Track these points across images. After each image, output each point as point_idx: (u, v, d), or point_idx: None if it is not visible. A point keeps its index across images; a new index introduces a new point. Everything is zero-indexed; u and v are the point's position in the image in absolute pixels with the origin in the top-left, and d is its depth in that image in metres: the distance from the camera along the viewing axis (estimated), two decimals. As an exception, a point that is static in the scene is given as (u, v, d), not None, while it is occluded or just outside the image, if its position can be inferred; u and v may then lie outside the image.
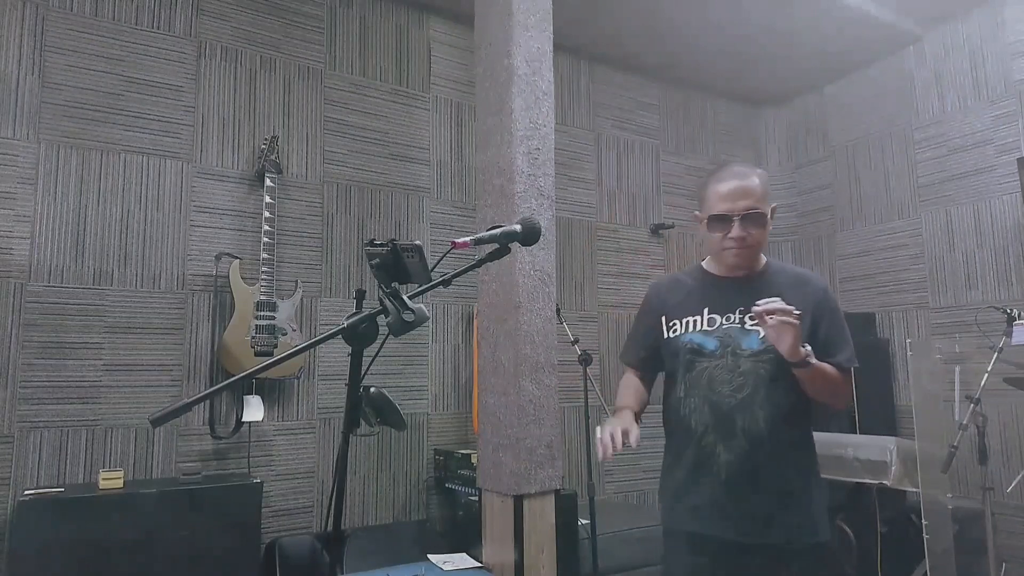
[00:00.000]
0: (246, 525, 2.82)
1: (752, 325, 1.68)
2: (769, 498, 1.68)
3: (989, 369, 3.00)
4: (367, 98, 3.76)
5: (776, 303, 1.54)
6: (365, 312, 1.28)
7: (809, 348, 1.59)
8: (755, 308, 1.56)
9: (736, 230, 1.69)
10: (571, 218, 4.34)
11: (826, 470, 3.31)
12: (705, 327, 1.76)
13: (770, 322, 1.56)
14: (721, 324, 1.75)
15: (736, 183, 1.70)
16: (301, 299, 3.35)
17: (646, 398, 1.93)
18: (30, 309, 2.87)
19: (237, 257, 3.20)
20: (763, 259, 1.81)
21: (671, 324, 1.82)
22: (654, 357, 1.89)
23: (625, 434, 1.63)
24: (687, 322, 1.79)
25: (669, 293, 1.90)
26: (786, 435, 1.70)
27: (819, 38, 4.30)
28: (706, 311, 1.77)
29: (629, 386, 1.95)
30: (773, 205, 1.75)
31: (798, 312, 1.54)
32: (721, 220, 1.71)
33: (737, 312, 1.73)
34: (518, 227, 1.53)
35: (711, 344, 1.74)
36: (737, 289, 1.76)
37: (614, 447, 1.61)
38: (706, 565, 1.74)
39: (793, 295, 1.65)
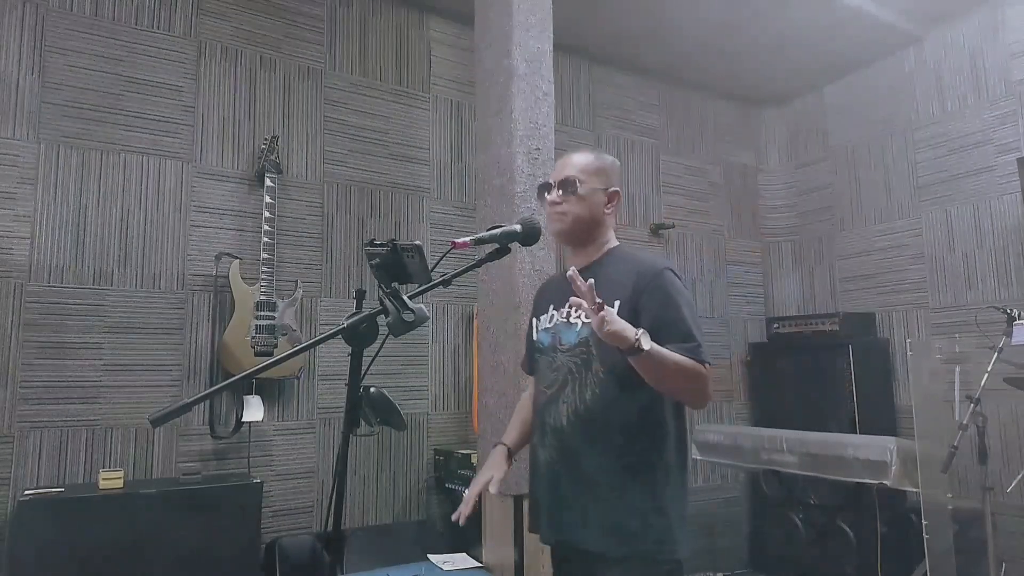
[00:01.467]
0: (246, 525, 2.82)
1: (575, 318, 1.65)
2: (579, 499, 1.59)
3: (989, 369, 3.00)
4: (367, 98, 3.76)
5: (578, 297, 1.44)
6: (365, 312, 1.28)
7: (642, 332, 1.41)
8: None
9: (551, 195, 1.72)
10: (571, 218, 4.33)
11: (826, 470, 3.34)
12: (546, 324, 1.76)
13: (581, 316, 1.56)
14: (555, 319, 1.73)
15: (567, 156, 1.77)
16: (301, 299, 3.35)
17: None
18: (30, 309, 2.87)
19: (237, 257, 3.20)
20: (606, 247, 1.75)
21: (535, 324, 1.83)
22: (533, 357, 1.86)
23: (484, 487, 1.69)
24: (540, 320, 1.80)
25: (542, 293, 1.92)
26: (598, 432, 1.58)
27: (819, 38, 4.30)
28: (551, 307, 1.76)
29: (521, 406, 1.93)
30: (611, 188, 1.73)
31: (599, 301, 1.38)
32: (544, 187, 1.76)
33: (567, 305, 1.64)
34: (518, 227, 1.54)
35: (546, 340, 1.74)
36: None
37: (469, 511, 1.68)
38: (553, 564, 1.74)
39: (620, 281, 1.62)
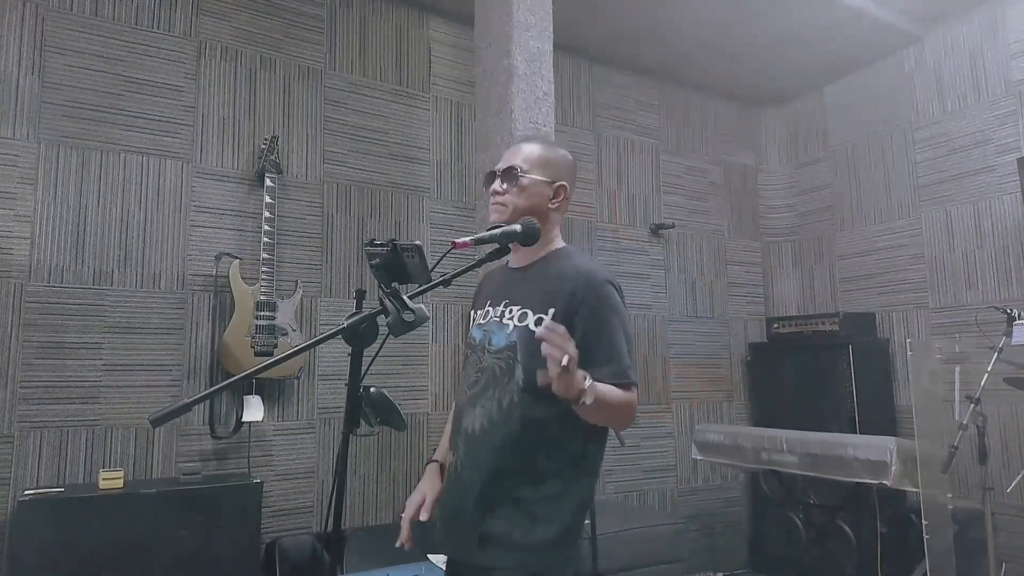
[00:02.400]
0: (246, 525, 2.82)
1: (507, 319, 1.57)
2: (479, 510, 1.51)
3: (989, 369, 3.00)
4: (367, 98, 3.76)
5: (545, 328, 1.29)
6: (365, 312, 1.28)
7: (588, 385, 1.31)
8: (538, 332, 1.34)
9: (495, 184, 1.65)
10: (571, 218, 4.33)
11: (826, 470, 3.33)
12: (480, 320, 1.68)
13: (513, 318, 1.52)
14: (490, 316, 1.64)
15: (515, 146, 1.70)
16: (301, 299, 3.35)
17: None
18: (30, 309, 2.87)
19: (237, 257, 3.20)
20: (551, 247, 1.65)
21: (472, 318, 1.75)
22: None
23: (417, 511, 1.62)
24: (475, 315, 1.72)
25: (481, 285, 1.84)
26: (509, 442, 1.49)
27: (819, 38, 4.30)
28: (488, 303, 1.68)
29: (453, 418, 1.76)
30: (558, 183, 1.65)
31: (569, 341, 1.27)
32: (489, 176, 1.69)
33: (502, 304, 1.61)
34: (518, 227, 1.53)
35: (478, 336, 1.65)
36: (512, 279, 1.67)
37: (408, 536, 1.62)
38: None
39: (559, 287, 1.53)
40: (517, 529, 1.47)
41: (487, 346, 1.60)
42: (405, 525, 1.64)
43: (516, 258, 1.68)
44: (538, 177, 1.63)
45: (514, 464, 1.50)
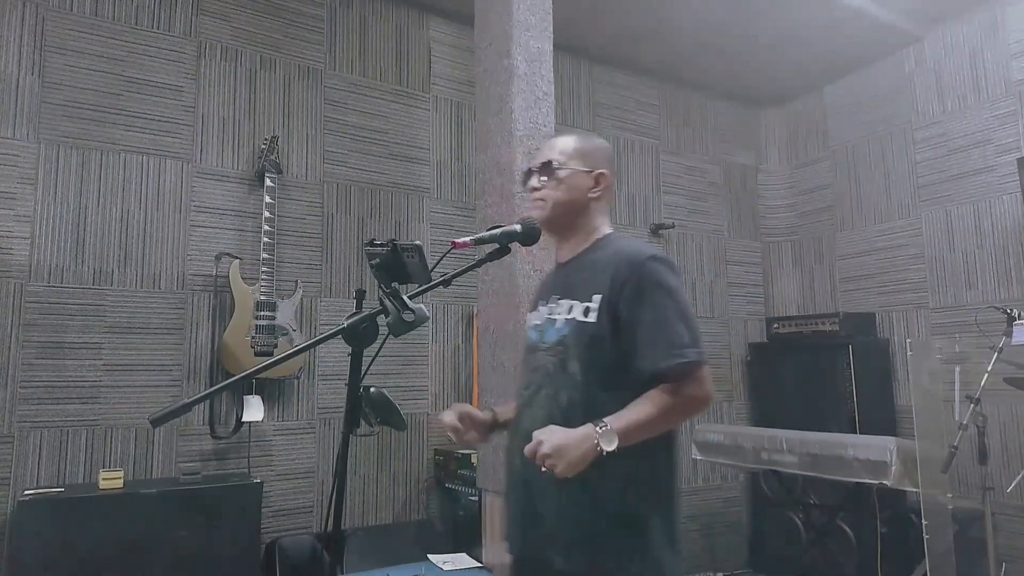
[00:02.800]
0: (246, 525, 2.83)
1: (557, 313, 1.53)
2: (549, 513, 1.43)
3: (989, 369, 3.00)
4: (367, 98, 3.76)
5: (535, 445, 1.30)
6: (365, 312, 1.28)
7: (601, 433, 1.29)
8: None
9: (532, 181, 1.62)
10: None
11: (826, 470, 3.33)
12: (535, 320, 1.64)
13: (561, 312, 1.48)
14: (542, 315, 1.60)
15: (548, 140, 1.67)
16: (301, 299, 3.35)
17: None
18: (30, 309, 2.87)
19: (237, 257, 3.20)
20: (596, 236, 1.62)
21: (528, 319, 1.72)
22: None
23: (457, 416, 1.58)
24: (531, 316, 1.69)
25: (535, 291, 1.80)
26: None
27: (819, 38, 4.30)
28: (540, 303, 1.64)
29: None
30: (597, 171, 1.60)
31: (540, 443, 1.29)
32: (527, 174, 1.65)
33: (551, 300, 1.58)
34: (518, 227, 1.53)
35: (533, 336, 1.61)
36: (560, 273, 1.64)
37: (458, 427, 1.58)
38: None
39: (601, 273, 1.48)
40: (591, 527, 1.40)
41: (540, 344, 1.56)
42: (452, 418, 1.59)
43: (562, 252, 1.65)
44: (576, 167, 1.59)
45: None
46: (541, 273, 2.89)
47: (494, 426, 1.69)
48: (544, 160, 1.61)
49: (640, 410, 1.35)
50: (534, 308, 1.68)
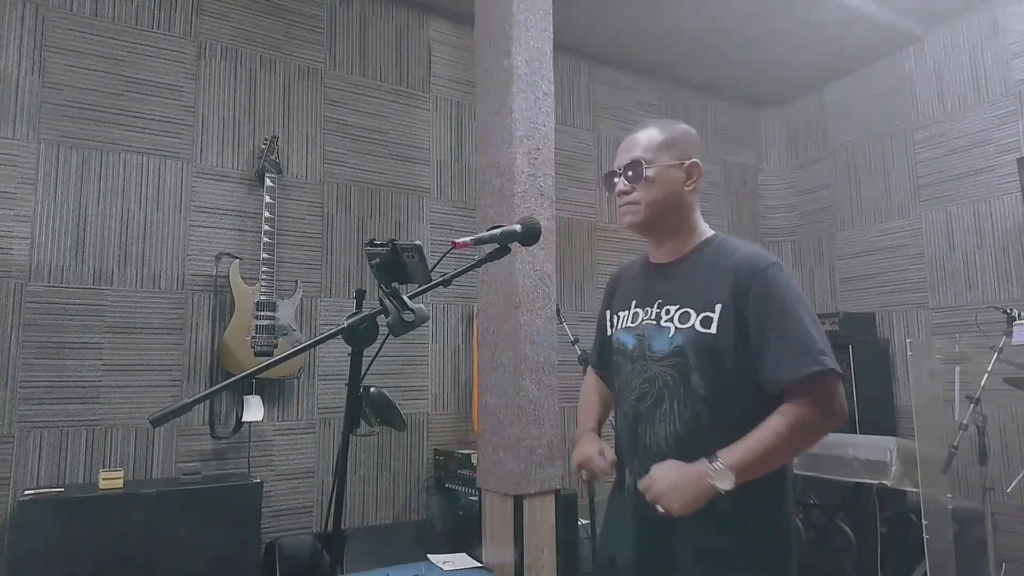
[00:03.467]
0: (246, 525, 2.82)
1: (666, 320, 1.43)
2: (677, 533, 1.34)
3: (989, 369, 3.00)
4: (367, 98, 3.76)
5: (648, 481, 1.29)
6: (365, 312, 1.28)
7: (716, 471, 1.25)
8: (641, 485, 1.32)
9: (619, 184, 1.49)
10: (571, 218, 4.34)
11: (826, 470, 3.33)
12: (629, 323, 1.52)
13: (673, 319, 1.39)
14: (641, 319, 1.49)
15: (630, 137, 1.52)
16: (301, 299, 3.35)
17: (610, 398, 1.68)
18: (30, 309, 2.87)
19: (237, 257, 3.20)
20: (702, 237, 1.54)
21: (612, 319, 1.60)
22: (609, 353, 1.62)
23: (599, 454, 1.50)
24: (619, 317, 1.57)
25: (618, 282, 1.68)
26: (701, 456, 1.32)
27: (819, 38, 4.30)
28: (633, 304, 1.53)
29: (588, 393, 1.73)
30: (688, 161, 1.50)
31: (654, 481, 1.28)
32: (610, 177, 1.53)
33: (655, 304, 1.47)
34: (518, 227, 1.52)
35: (631, 343, 1.50)
36: (660, 276, 1.52)
37: (598, 467, 1.50)
38: None
39: (717, 281, 1.39)
40: (723, 547, 1.33)
41: (648, 352, 1.45)
42: (589, 463, 1.52)
43: (659, 253, 1.54)
44: (667, 162, 1.48)
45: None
46: (541, 273, 2.90)
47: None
48: (630, 159, 1.48)
49: (758, 442, 1.28)
50: (623, 308, 1.56)
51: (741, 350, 1.34)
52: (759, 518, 1.35)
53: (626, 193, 1.49)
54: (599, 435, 1.63)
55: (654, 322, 1.46)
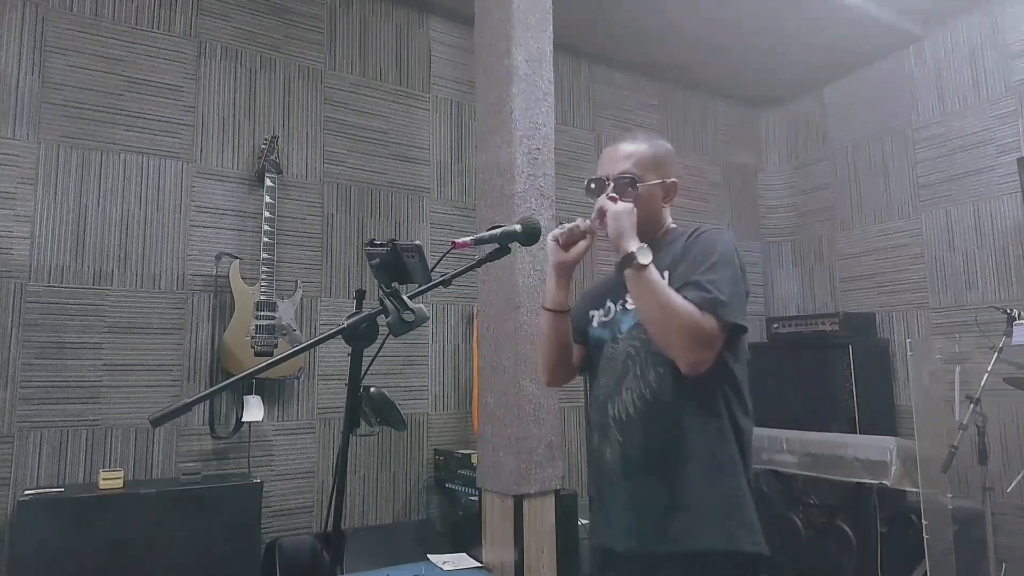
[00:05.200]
0: (246, 525, 2.82)
1: (631, 304, 1.52)
2: (652, 499, 1.44)
3: (989, 369, 3.01)
4: (367, 98, 3.76)
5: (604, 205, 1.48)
6: (365, 312, 1.28)
7: (642, 247, 1.38)
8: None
9: (608, 191, 1.56)
10: (571, 218, 4.32)
11: (826, 470, 3.34)
12: (603, 318, 1.63)
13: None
14: (613, 311, 1.61)
15: (617, 147, 1.61)
16: (301, 299, 3.35)
17: (569, 350, 1.71)
18: (30, 309, 2.87)
19: (237, 257, 3.20)
20: (662, 230, 1.62)
21: (590, 315, 1.69)
22: (582, 340, 1.70)
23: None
24: (594, 316, 1.67)
25: (594, 288, 1.79)
26: (666, 422, 1.44)
27: (819, 38, 4.30)
28: (607, 301, 1.64)
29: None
30: (670, 180, 1.59)
31: (613, 195, 1.48)
32: (599, 183, 1.59)
33: (621, 297, 1.58)
34: (518, 227, 1.52)
35: (606, 335, 1.60)
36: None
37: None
38: None
39: (665, 257, 1.51)
40: (693, 505, 1.42)
41: (618, 335, 1.56)
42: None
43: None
44: (653, 181, 1.57)
45: (681, 436, 1.44)
46: (541, 273, 2.89)
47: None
48: (620, 172, 1.56)
49: (673, 293, 1.39)
50: (599, 307, 1.66)
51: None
52: (720, 487, 1.46)
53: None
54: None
55: (622, 308, 1.58)
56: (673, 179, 1.61)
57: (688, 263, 1.46)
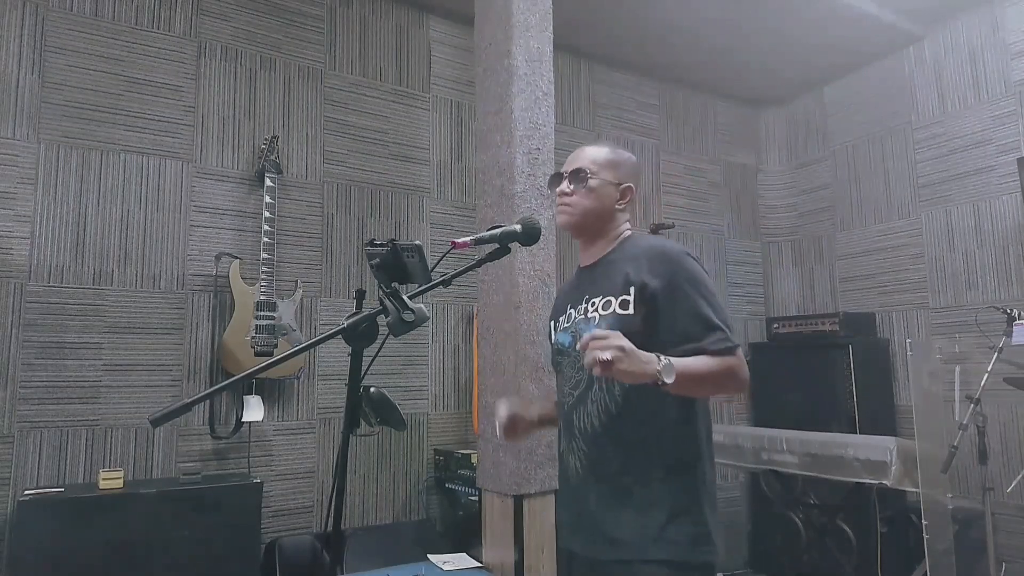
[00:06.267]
0: (246, 525, 2.82)
1: (592, 312, 1.57)
2: (611, 508, 1.50)
3: (989, 369, 3.01)
4: (367, 98, 3.76)
5: (592, 335, 1.31)
6: (365, 312, 1.28)
7: (664, 364, 1.31)
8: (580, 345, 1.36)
9: (563, 186, 1.66)
10: (571, 218, 4.33)
11: (826, 470, 3.33)
12: (564, 324, 1.68)
13: (598, 309, 1.51)
14: (573, 317, 1.64)
15: (580, 149, 1.71)
16: (301, 299, 3.35)
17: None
18: (30, 309, 2.87)
19: (237, 257, 3.20)
20: (620, 238, 1.67)
21: (554, 326, 1.75)
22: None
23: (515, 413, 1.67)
24: (557, 323, 1.72)
25: (558, 297, 1.83)
26: (632, 431, 1.49)
27: (819, 38, 4.30)
28: (568, 307, 1.68)
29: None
30: (624, 184, 1.66)
31: (610, 336, 1.30)
32: (555, 178, 1.71)
33: (584, 300, 1.62)
34: (518, 227, 1.53)
35: (567, 340, 1.64)
36: (587, 276, 1.68)
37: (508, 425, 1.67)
38: None
39: (631, 270, 1.54)
40: (653, 518, 1.46)
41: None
42: (504, 416, 1.68)
43: (585, 256, 1.71)
44: (606, 178, 1.65)
45: (642, 450, 1.49)
46: (541, 273, 2.90)
47: (536, 425, 1.77)
48: (576, 167, 1.66)
49: (695, 361, 1.39)
50: (561, 314, 1.72)
51: (653, 324, 1.48)
52: (685, 501, 1.48)
53: (567, 195, 1.66)
54: (536, 417, 1.77)
55: (583, 316, 1.61)
56: (629, 184, 1.68)
57: (672, 297, 1.48)
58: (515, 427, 1.70)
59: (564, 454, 1.64)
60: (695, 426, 1.53)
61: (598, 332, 1.31)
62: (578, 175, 1.64)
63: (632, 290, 1.51)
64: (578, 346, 1.35)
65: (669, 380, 1.30)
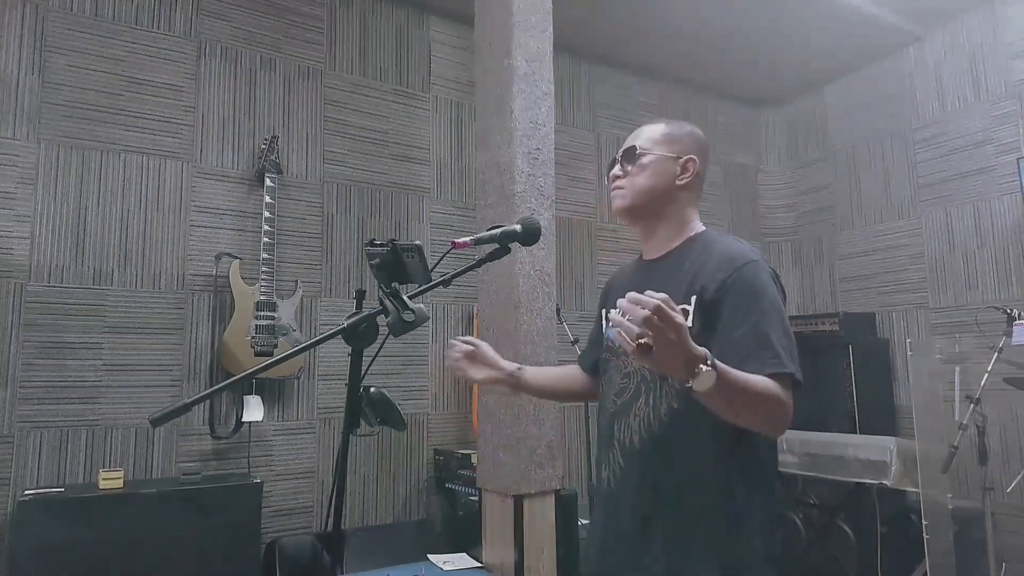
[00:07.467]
0: (246, 525, 2.82)
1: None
2: (649, 531, 1.34)
3: (989, 369, 3.01)
4: (367, 98, 3.76)
5: (622, 306, 1.11)
6: (365, 312, 1.28)
7: (707, 369, 1.08)
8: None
9: (615, 169, 1.52)
10: (571, 218, 4.34)
11: (826, 470, 3.33)
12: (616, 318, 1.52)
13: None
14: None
15: (639, 128, 1.55)
16: (301, 299, 3.35)
17: (571, 382, 1.75)
18: (30, 309, 2.87)
19: (237, 257, 3.20)
20: (688, 233, 1.52)
21: (607, 316, 1.58)
22: (597, 351, 1.64)
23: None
24: (609, 313, 1.50)
25: (614, 281, 1.68)
26: (676, 453, 1.33)
27: (819, 38, 4.30)
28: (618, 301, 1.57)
29: (560, 370, 1.79)
30: (685, 157, 1.49)
31: (653, 305, 1.05)
32: (611, 164, 1.55)
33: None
34: (518, 227, 1.52)
35: (617, 339, 1.49)
36: (649, 271, 1.51)
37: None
38: None
39: (694, 274, 1.36)
40: (692, 547, 1.30)
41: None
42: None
43: (649, 248, 1.54)
44: (661, 153, 1.48)
45: (684, 475, 1.33)
46: (542, 273, 2.90)
47: (518, 383, 1.72)
48: (627, 147, 1.51)
49: (745, 376, 1.18)
50: (612, 306, 1.51)
51: (708, 338, 1.27)
52: (738, 520, 1.31)
53: (619, 177, 1.50)
54: (518, 373, 1.74)
55: None
56: (691, 156, 1.49)
57: (730, 309, 1.29)
58: (476, 360, 1.68)
59: (599, 464, 1.50)
60: (754, 448, 1.33)
61: (655, 296, 1.06)
62: (630, 153, 1.49)
63: (693, 300, 1.33)
64: (620, 304, 1.12)
65: (707, 383, 1.08)
